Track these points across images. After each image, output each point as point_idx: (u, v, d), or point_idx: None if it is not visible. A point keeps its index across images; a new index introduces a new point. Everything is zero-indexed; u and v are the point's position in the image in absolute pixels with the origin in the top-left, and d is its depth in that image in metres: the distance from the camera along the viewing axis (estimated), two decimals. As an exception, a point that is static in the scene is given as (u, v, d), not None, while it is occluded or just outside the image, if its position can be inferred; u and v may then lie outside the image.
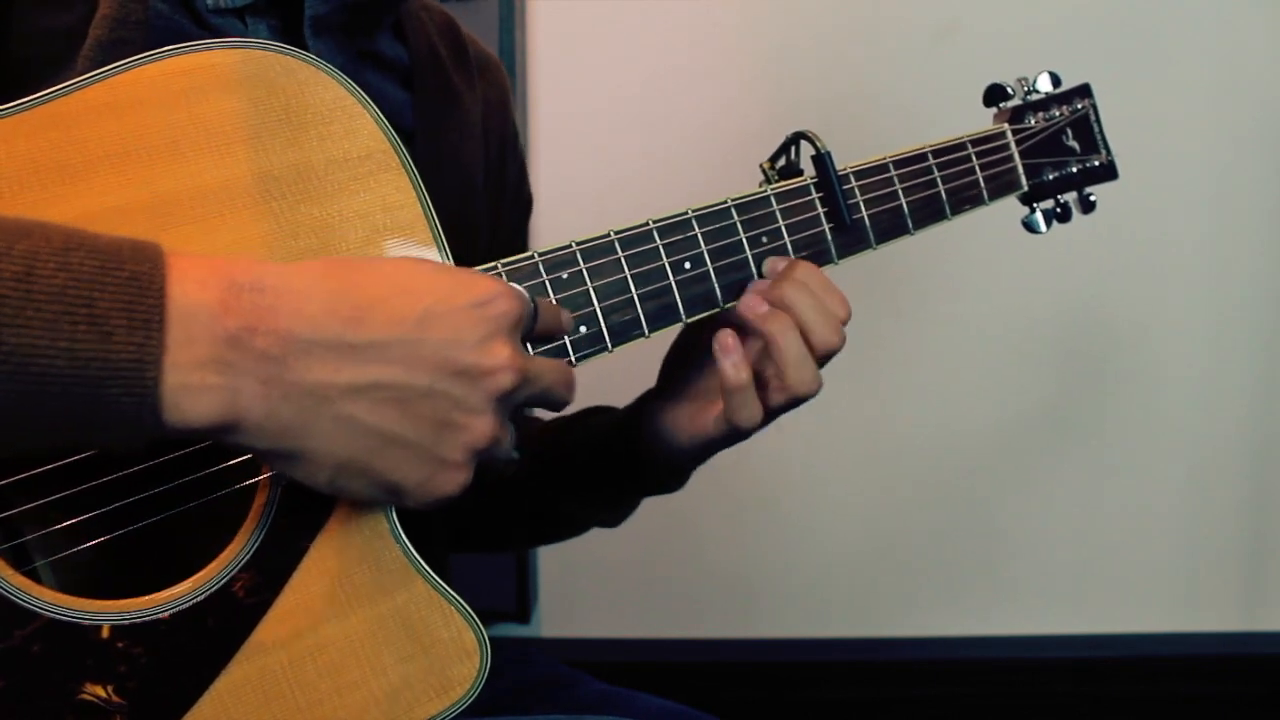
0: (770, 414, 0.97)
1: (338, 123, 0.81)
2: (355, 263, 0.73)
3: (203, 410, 0.66)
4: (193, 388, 0.65)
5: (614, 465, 1.10)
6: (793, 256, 1.01)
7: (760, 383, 0.96)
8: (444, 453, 0.74)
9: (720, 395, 0.97)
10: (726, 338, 0.95)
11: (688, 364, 1.04)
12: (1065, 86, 1.19)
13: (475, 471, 0.77)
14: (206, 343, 0.65)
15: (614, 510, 1.18)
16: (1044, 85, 1.17)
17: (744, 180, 1.06)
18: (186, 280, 0.66)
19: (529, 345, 0.85)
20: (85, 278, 0.63)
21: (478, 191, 1.11)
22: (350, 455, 0.71)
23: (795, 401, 0.96)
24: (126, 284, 0.64)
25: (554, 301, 0.88)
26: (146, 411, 0.64)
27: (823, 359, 0.97)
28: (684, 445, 1.03)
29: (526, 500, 1.18)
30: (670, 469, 1.07)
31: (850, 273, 1.10)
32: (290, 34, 0.96)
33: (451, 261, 0.84)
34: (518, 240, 1.23)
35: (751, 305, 0.96)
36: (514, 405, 0.78)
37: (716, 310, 0.98)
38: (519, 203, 1.23)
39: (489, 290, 0.75)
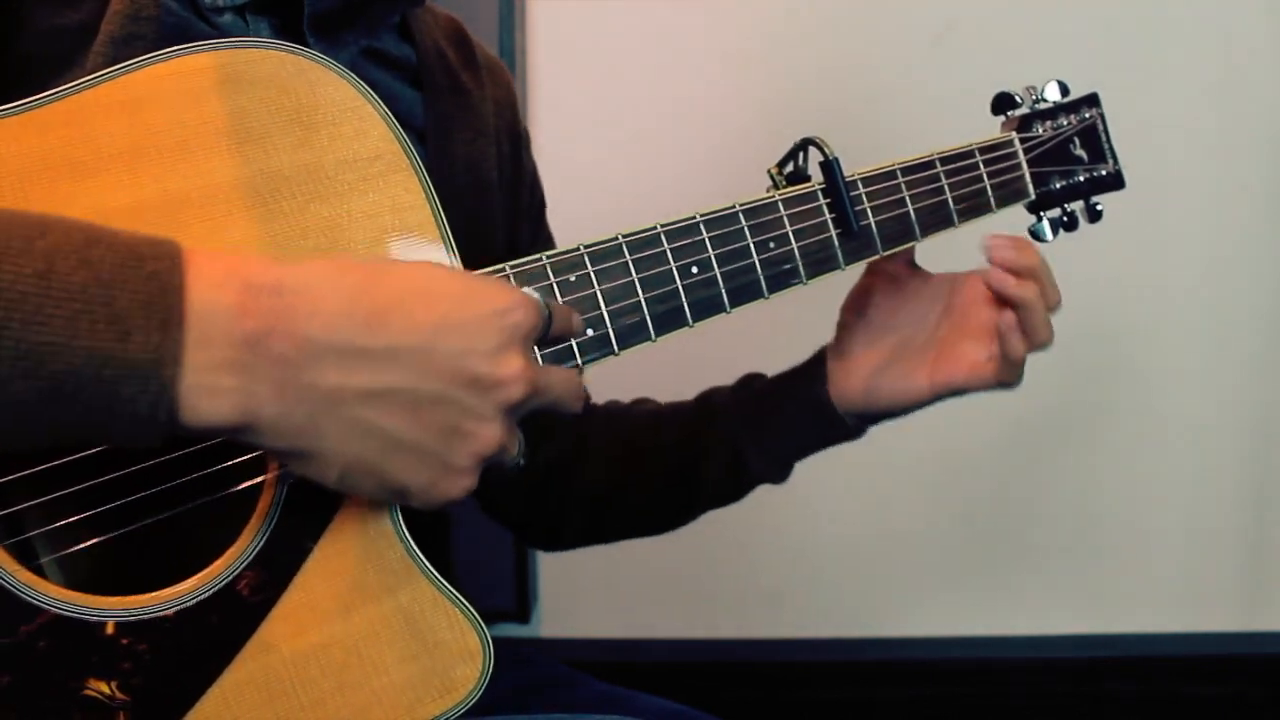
0: None
1: (348, 123, 0.81)
2: (373, 264, 0.73)
3: (218, 411, 0.66)
4: (208, 389, 0.65)
5: (798, 415, 1.16)
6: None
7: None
8: (451, 459, 0.74)
9: (928, 359, 1.10)
10: (1010, 317, 1.07)
11: (875, 323, 1.14)
12: (1073, 95, 1.19)
13: (480, 475, 0.77)
14: (223, 345, 0.65)
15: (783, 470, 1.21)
16: (1052, 94, 1.17)
17: (743, 184, 1.06)
18: (204, 280, 0.66)
19: (537, 348, 0.85)
20: (105, 275, 0.63)
21: (492, 188, 1.11)
22: (359, 456, 0.72)
23: (1035, 350, 1.09)
24: (146, 282, 0.64)
25: (560, 303, 0.88)
26: (162, 411, 0.64)
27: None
28: (892, 407, 1.13)
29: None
30: (851, 430, 1.16)
31: (855, 275, 1.10)
32: (291, 31, 0.96)
33: (459, 263, 0.84)
34: (540, 236, 1.24)
35: (1004, 279, 1.07)
36: (522, 414, 0.78)
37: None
38: (535, 200, 1.24)
39: (506, 300, 0.75)
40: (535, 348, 0.85)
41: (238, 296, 0.66)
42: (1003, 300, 1.07)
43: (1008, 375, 1.08)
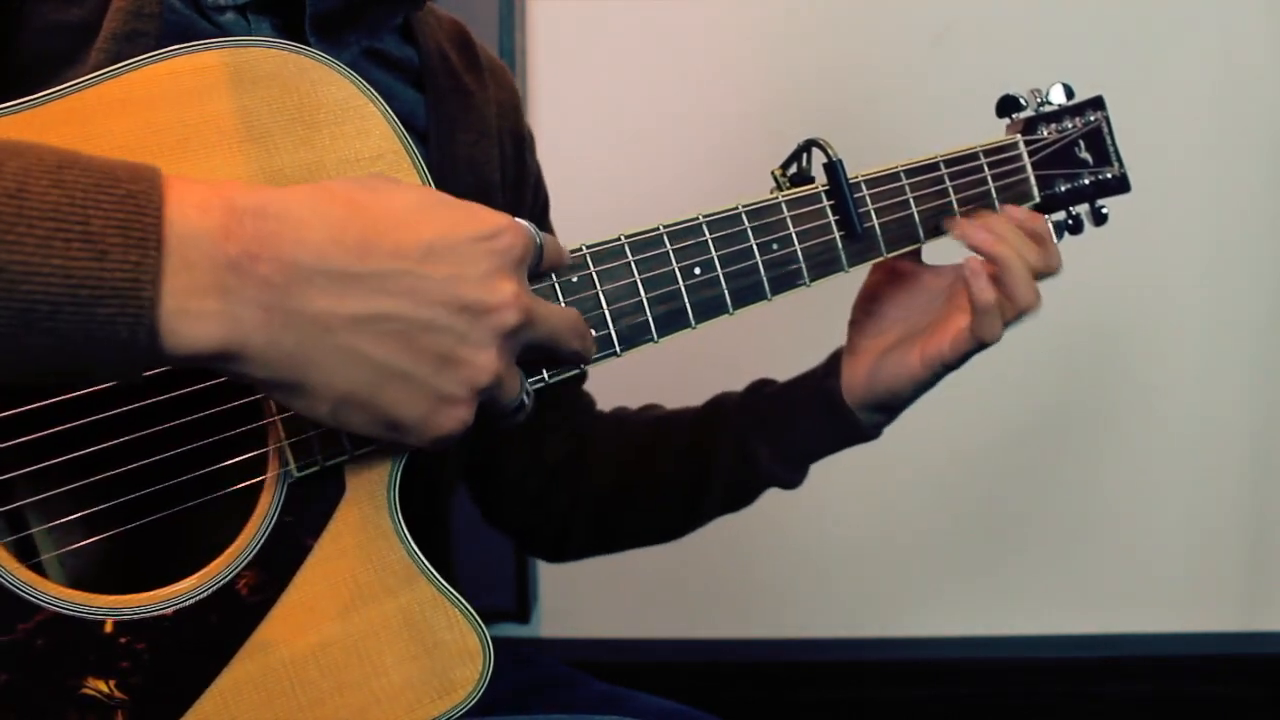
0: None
1: (350, 122, 0.80)
2: (358, 190, 0.71)
3: (201, 336, 0.64)
4: (191, 313, 0.63)
5: (814, 418, 1.15)
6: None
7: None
8: (445, 388, 0.72)
9: (921, 337, 1.09)
10: (975, 263, 1.05)
11: (881, 316, 1.14)
12: (1079, 98, 1.19)
13: (479, 413, 0.76)
14: (206, 268, 0.64)
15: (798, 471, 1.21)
16: (1057, 97, 1.17)
17: (745, 185, 1.06)
18: (185, 203, 0.64)
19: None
20: (79, 195, 0.61)
21: (495, 189, 1.11)
22: (351, 388, 0.70)
23: (1020, 316, 1.07)
24: (122, 201, 0.62)
25: (563, 304, 0.88)
26: (142, 334, 0.62)
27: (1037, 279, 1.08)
28: (894, 390, 1.10)
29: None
30: (868, 425, 1.14)
31: (858, 276, 1.10)
32: (292, 31, 0.95)
33: None
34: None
35: (982, 236, 1.07)
36: (521, 345, 0.77)
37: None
38: (539, 201, 1.24)
39: (495, 224, 0.74)
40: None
41: (221, 218, 0.65)
42: (985, 256, 1.06)
43: (980, 328, 1.05)
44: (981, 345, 1.06)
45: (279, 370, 0.68)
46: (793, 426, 1.16)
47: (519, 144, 1.18)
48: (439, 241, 0.71)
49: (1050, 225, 1.12)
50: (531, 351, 0.79)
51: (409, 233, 0.70)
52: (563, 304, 0.88)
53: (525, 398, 0.79)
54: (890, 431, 1.17)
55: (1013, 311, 1.06)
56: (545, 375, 0.88)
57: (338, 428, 0.74)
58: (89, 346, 0.62)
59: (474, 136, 1.09)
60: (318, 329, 0.67)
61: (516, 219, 0.76)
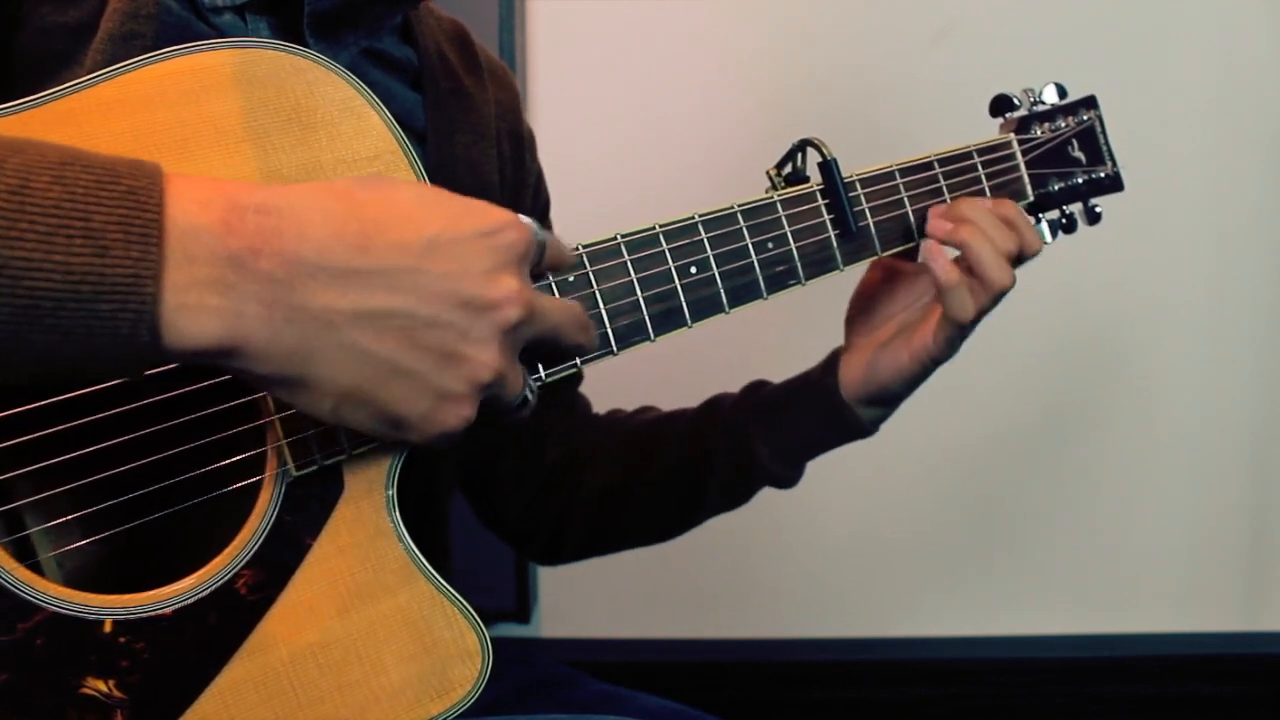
0: (978, 314, 1.06)
1: (347, 123, 0.81)
2: (360, 187, 0.71)
3: (203, 332, 0.64)
4: (192, 308, 0.63)
5: (811, 421, 1.15)
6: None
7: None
8: (447, 384, 0.72)
9: (910, 332, 1.09)
10: (932, 246, 1.06)
11: (875, 313, 1.14)
12: (1071, 98, 1.19)
13: (483, 410, 0.75)
14: (207, 262, 0.64)
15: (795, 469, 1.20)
16: (1050, 96, 1.18)
17: (742, 185, 1.06)
18: (185, 198, 0.64)
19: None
20: (81, 192, 0.62)
21: (493, 190, 1.11)
22: (354, 384, 0.70)
23: (996, 297, 1.05)
24: (123, 198, 0.62)
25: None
26: (144, 330, 0.62)
27: (1010, 260, 1.07)
28: (885, 385, 1.10)
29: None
30: (866, 421, 1.14)
31: (853, 276, 1.10)
32: (290, 31, 0.95)
33: None
34: None
35: (939, 225, 1.07)
36: (523, 341, 0.76)
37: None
38: (539, 202, 1.24)
39: (497, 220, 0.74)
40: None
41: (222, 214, 0.65)
42: (949, 245, 1.06)
43: (951, 308, 1.04)
44: (959, 328, 1.05)
45: (281, 366, 0.68)
46: (791, 422, 1.16)
47: (518, 144, 1.18)
48: (441, 237, 0.71)
49: (1020, 209, 1.11)
50: (534, 346, 0.79)
51: (411, 228, 0.70)
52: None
53: (529, 394, 0.79)
54: (891, 432, 1.17)
55: (986, 292, 1.05)
56: (542, 374, 0.88)
57: (339, 425, 0.74)
58: (91, 343, 0.62)
59: (472, 137, 1.09)
60: (320, 325, 0.67)
61: (519, 215, 0.76)
